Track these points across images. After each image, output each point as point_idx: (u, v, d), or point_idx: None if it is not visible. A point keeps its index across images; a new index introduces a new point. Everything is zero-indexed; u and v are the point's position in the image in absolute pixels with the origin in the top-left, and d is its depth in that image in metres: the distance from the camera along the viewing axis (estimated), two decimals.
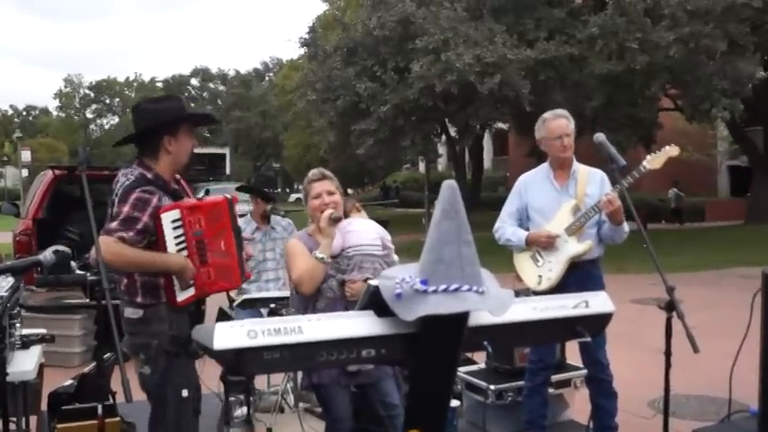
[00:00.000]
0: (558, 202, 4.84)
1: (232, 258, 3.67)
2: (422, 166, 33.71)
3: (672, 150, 4.62)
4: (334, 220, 3.85)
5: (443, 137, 29.26)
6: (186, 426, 3.66)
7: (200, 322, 3.81)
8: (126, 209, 3.47)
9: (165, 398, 3.59)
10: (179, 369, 3.59)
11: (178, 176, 4.02)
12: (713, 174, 36.53)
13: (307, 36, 29.94)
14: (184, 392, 3.59)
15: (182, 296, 3.58)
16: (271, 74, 78.56)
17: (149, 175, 3.63)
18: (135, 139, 3.87)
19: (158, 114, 3.74)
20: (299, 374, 5.73)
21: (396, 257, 4.23)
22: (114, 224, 3.44)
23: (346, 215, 4.18)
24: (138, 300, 3.58)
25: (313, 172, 4.12)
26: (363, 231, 4.09)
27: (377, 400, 3.97)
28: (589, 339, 2.33)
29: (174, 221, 3.54)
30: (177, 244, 3.55)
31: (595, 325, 2.40)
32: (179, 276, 3.54)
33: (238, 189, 7.30)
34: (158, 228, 3.51)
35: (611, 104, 19.69)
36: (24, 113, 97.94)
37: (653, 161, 4.59)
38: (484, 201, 32.82)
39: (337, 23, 27.39)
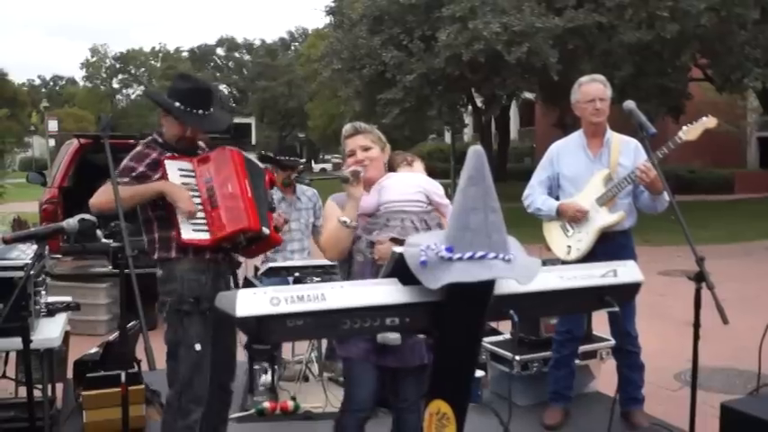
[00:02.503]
0: (590, 170, 4.76)
1: (242, 200, 3.69)
2: (448, 137, 33.46)
3: (709, 122, 4.45)
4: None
5: (470, 107, 29.03)
6: (198, 383, 3.72)
7: (235, 284, 3.96)
8: (125, 161, 3.73)
9: (177, 355, 3.70)
10: (191, 327, 3.68)
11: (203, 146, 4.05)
12: (743, 145, 36.03)
13: (332, 4, 29.65)
14: (197, 346, 3.67)
15: (188, 234, 3.62)
16: (296, 43, 78.29)
17: (160, 139, 3.85)
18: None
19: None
20: (324, 344, 5.77)
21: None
22: None
23: (393, 169, 3.85)
24: (156, 255, 3.72)
25: (346, 127, 3.78)
26: (396, 186, 3.62)
27: (391, 389, 3.69)
28: (617, 309, 2.29)
29: (181, 170, 3.71)
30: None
31: (624, 294, 2.36)
32: (170, 196, 3.61)
33: (260, 159, 7.28)
34: (163, 172, 3.67)
35: (640, 74, 19.40)
36: (51, 84, 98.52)
37: (689, 132, 4.44)
38: (510, 172, 32.58)
39: None
